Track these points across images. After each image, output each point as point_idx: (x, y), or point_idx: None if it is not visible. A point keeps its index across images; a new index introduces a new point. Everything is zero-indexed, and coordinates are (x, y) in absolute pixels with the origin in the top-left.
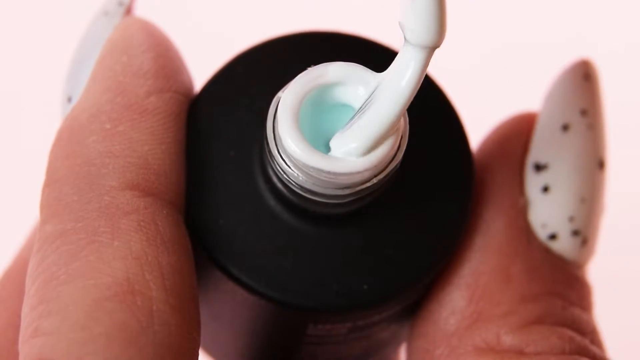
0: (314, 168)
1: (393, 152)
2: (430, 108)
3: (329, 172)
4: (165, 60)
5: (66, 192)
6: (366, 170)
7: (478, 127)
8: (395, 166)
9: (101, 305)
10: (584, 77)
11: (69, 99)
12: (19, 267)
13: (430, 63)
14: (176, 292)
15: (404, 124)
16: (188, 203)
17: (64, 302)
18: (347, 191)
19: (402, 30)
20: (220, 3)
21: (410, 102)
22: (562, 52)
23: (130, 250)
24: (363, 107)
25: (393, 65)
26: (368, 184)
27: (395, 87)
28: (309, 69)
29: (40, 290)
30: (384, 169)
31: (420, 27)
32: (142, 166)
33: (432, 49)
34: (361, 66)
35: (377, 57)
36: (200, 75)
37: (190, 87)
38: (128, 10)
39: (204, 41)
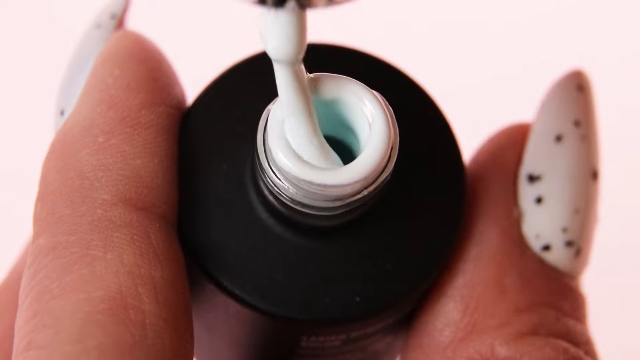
0: (304, 180)
1: (383, 164)
2: (421, 119)
3: (319, 185)
4: (157, 73)
5: (59, 206)
6: (356, 182)
7: (471, 138)
8: (386, 178)
9: (94, 318)
10: (577, 88)
11: (62, 112)
12: (14, 280)
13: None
14: (169, 305)
15: (394, 135)
16: (180, 216)
17: (57, 315)
18: (337, 203)
19: (264, 45)
20: (212, 16)
21: (292, 112)
22: (556, 63)
23: (123, 264)
24: None
25: None
26: (359, 196)
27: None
28: None
29: (33, 303)
30: (375, 180)
31: (280, 44)
32: (135, 179)
33: (292, 63)
34: (349, 78)
35: (368, 68)
36: (192, 88)
37: (182, 100)
38: (120, 24)
39: (196, 54)
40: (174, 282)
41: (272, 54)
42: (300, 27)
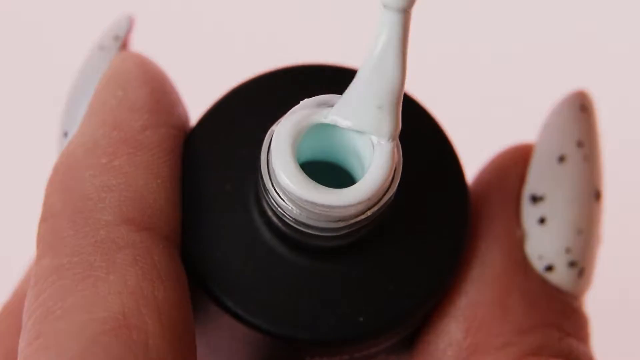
0: (307, 201)
1: (387, 185)
2: (424, 140)
3: (322, 205)
4: (160, 94)
5: (62, 227)
6: (360, 202)
7: (474, 158)
8: (389, 198)
9: (97, 339)
10: (580, 108)
11: (65, 134)
12: (17, 302)
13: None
14: (172, 326)
15: (397, 156)
16: (184, 237)
17: (60, 337)
18: (341, 224)
19: None
20: (215, 38)
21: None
22: (559, 83)
23: (125, 285)
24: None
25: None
26: (362, 217)
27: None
28: (303, 101)
29: (36, 324)
30: (378, 201)
31: None
32: (138, 200)
33: (405, 11)
34: None
35: None
36: (195, 109)
37: (185, 121)
38: (124, 45)
39: (200, 76)
40: (177, 303)
41: (388, 2)
42: None
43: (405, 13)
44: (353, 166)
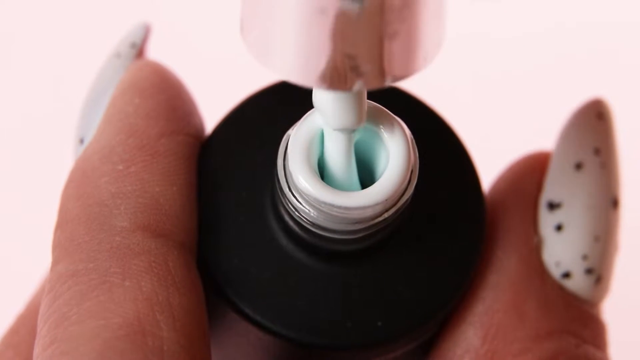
0: (325, 203)
1: (404, 186)
2: (441, 147)
3: (340, 207)
4: (177, 102)
5: (78, 233)
6: (377, 204)
7: (491, 166)
8: (406, 200)
9: (112, 345)
10: (597, 115)
11: (81, 141)
12: (32, 312)
13: (444, 100)
14: (187, 332)
15: (413, 158)
16: (201, 244)
17: (76, 342)
18: (358, 226)
19: (321, 115)
20: (231, 46)
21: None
22: (576, 90)
23: (141, 291)
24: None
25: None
26: (380, 219)
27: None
28: None
29: (51, 330)
30: (395, 203)
31: (343, 115)
32: (154, 207)
33: (351, 131)
34: (370, 102)
35: (387, 97)
36: (211, 117)
37: (201, 129)
38: (140, 53)
39: (215, 83)
40: (192, 309)
41: (332, 125)
42: (362, 100)
43: (352, 132)
44: (372, 166)
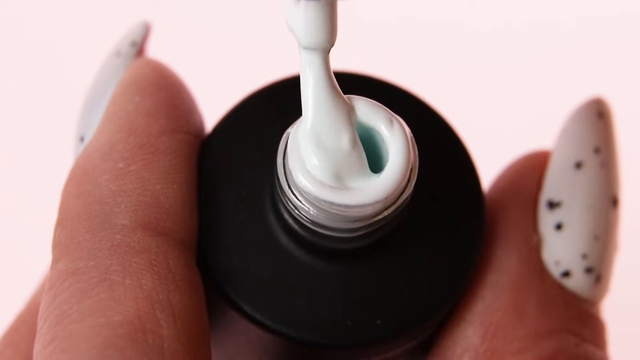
0: (325, 201)
1: (404, 184)
2: (440, 146)
3: (340, 205)
4: (177, 100)
5: (78, 231)
6: (377, 202)
7: (491, 165)
8: (406, 198)
9: (112, 343)
10: (597, 114)
11: (82, 139)
12: (32, 310)
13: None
14: (187, 330)
15: (413, 157)
16: (201, 242)
17: (76, 340)
18: (358, 224)
19: (294, 36)
20: (231, 45)
21: (322, 104)
22: (576, 90)
23: (141, 289)
24: None
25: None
26: (379, 217)
27: (303, 92)
28: None
29: (52, 328)
30: (395, 201)
31: (313, 31)
32: (154, 205)
33: (325, 50)
34: (370, 100)
35: (387, 96)
36: (211, 115)
37: (201, 127)
38: (140, 51)
39: (215, 82)
40: (192, 307)
41: (303, 42)
42: (333, 13)
43: (325, 52)
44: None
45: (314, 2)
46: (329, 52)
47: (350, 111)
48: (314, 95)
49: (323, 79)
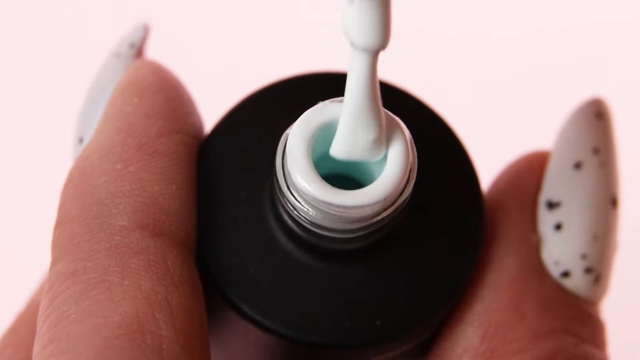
0: (323, 202)
1: (402, 185)
2: (439, 147)
3: (338, 206)
4: (176, 102)
5: (77, 232)
6: (376, 203)
7: (490, 165)
8: (405, 199)
9: (111, 343)
10: (596, 115)
11: (80, 140)
12: (32, 311)
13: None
14: (186, 331)
15: (412, 158)
16: (200, 243)
17: (74, 341)
18: (357, 225)
19: (347, 36)
20: (230, 46)
21: (367, 104)
22: (575, 90)
23: (140, 290)
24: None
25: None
26: (378, 218)
27: (348, 90)
28: (317, 104)
29: (51, 329)
30: (394, 202)
31: (367, 31)
32: (153, 206)
33: (376, 52)
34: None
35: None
36: (210, 116)
37: (200, 128)
38: (139, 53)
39: (214, 83)
40: (191, 308)
41: (357, 42)
42: (387, 13)
43: (375, 55)
44: (369, 176)
45: (367, 2)
46: (378, 55)
47: (385, 124)
48: (356, 96)
49: (368, 82)
